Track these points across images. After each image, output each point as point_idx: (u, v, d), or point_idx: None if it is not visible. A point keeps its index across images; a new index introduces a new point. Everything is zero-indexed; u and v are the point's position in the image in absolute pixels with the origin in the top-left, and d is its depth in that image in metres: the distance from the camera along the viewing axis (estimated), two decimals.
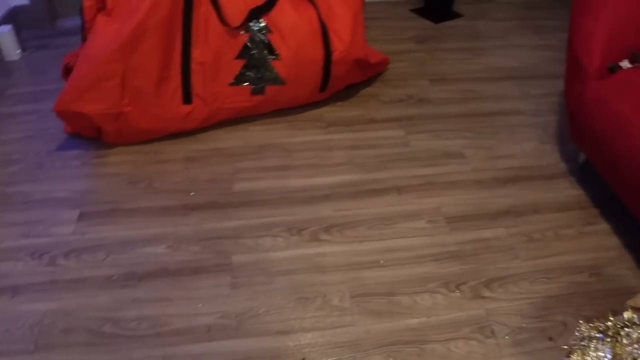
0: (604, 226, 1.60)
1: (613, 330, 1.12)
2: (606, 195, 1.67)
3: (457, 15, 2.66)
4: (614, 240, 1.56)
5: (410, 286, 1.39)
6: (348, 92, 2.05)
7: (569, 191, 1.69)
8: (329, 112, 1.96)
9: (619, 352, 1.06)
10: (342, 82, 1.94)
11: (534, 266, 1.47)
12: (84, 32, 1.74)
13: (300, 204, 1.59)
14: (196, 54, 1.73)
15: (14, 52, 2.49)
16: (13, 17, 2.65)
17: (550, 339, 1.28)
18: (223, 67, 1.76)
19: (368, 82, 2.11)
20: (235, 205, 1.60)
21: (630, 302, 1.14)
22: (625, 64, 1.64)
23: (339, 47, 1.82)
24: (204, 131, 1.89)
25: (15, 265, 1.45)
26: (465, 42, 2.43)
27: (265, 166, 1.73)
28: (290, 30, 1.76)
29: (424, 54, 2.32)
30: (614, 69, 1.62)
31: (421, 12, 2.68)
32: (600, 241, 1.55)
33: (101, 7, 1.71)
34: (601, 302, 1.38)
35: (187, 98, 1.77)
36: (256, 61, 1.77)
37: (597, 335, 1.13)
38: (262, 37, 1.76)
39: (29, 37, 2.71)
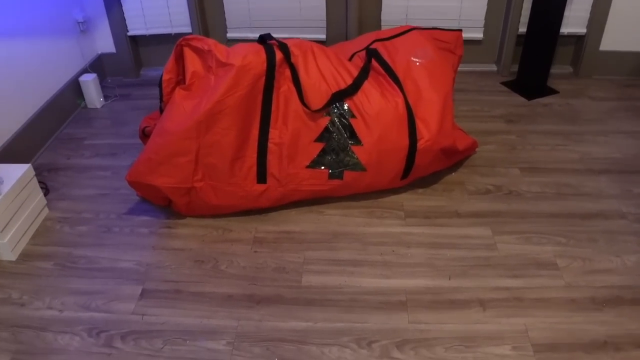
0: None
1: None
2: None
3: (552, 92, 2.49)
4: None
5: None
6: (431, 177, 1.92)
7: None
8: (409, 199, 1.84)
9: None
10: (425, 171, 1.82)
11: None
12: (161, 103, 1.71)
13: (373, 310, 1.47)
14: (274, 134, 1.66)
15: (97, 100, 2.52)
16: (99, 64, 2.69)
17: None
18: (301, 149, 1.67)
19: (453, 166, 1.97)
20: (302, 303, 1.49)
21: None
22: None
23: (425, 135, 1.70)
24: (276, 210, 1.81)
25: (72, 340, 1.40)
26: (560, 124, 2.26)
27: (338, 259, 1.62)
28: (375, 116, 1.66)
29: (515, 136, 2.16)
30: None
31: (513, 86, 2.53)
32: None
33: (180, 81, 1.68)
34: None
35: (261, 178, 1.70)
36: (336, 146, 1.68)
37: None
38: (344, 122, 1.67)
39: (113, 85, 2.75)
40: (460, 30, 2.00)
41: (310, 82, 1.64)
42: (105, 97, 2.60)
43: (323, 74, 1.66)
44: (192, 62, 1.63)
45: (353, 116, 1.66)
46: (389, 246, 1.65)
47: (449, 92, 1.80)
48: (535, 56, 2.43)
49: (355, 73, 1.71)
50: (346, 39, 2.62)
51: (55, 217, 1.86)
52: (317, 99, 1.64)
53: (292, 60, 1.64)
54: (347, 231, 1.72)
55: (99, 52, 2.71)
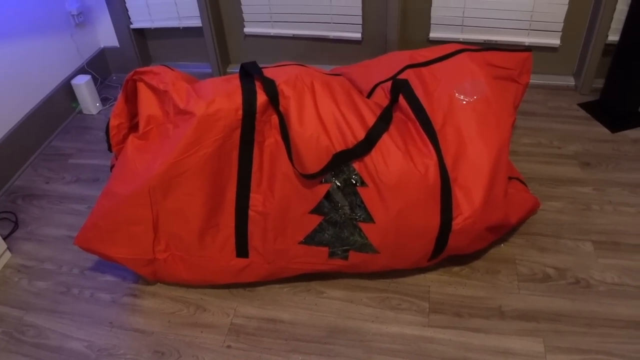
0: None
1: None
2: None
3: None
4: None
5: None
6: None
7: None
8: (438, 282, 1.40)
9: None
10: (462, 251, 1.36)
11: None
12: (111, 152, 1.35)
13: None
14: (256, 200, 1.26)
15: (92, 105, 2.19)
16: (102, 59, 2.34)
17: None
18: (291, 221, 1.26)
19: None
20: None
21: None
22: None
23: (465, 210, 1.24)
24: (264, 284, 1.43)
25: None
26: None
27: None
28: (394, 185, 1.21)
29: (591, 188, 1.66)
30: None
31: (593, 109, 2.00)
32: None
33: (135, 126, 1.30)
34: None
35: (242, 251, 1.31)
36: (339, 220, 1.25)
37: None
38: (351, 190, 1.23)
39: (117, 83, 2.41)
40: (530, 51, 1.51)
41: (304, 134, 1.21)
42: (104, 101, 2.26)
43: (324, 124, 1.22)
44: (148, 103, 1.24)
45: (363, 184, 1.23)
46: (402, 359, 1.24)
47: (505, 143, 1.32)
48: (628, 73, 1.88)
49: (372, 120, 1.26)
50: (385, 39, 2.15)
51: (16, 264, 1.58)
52: (314, 160, 1.21)
53: (282, 104, 1.21)
54: (350, 327, 1.31)
55: (102, 46, 2.35)
